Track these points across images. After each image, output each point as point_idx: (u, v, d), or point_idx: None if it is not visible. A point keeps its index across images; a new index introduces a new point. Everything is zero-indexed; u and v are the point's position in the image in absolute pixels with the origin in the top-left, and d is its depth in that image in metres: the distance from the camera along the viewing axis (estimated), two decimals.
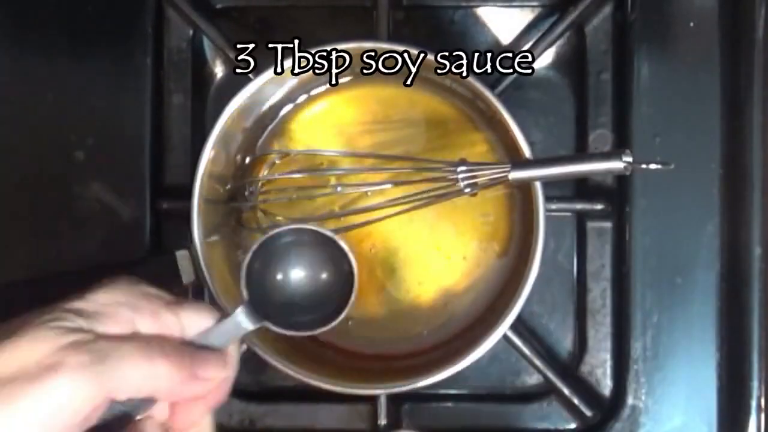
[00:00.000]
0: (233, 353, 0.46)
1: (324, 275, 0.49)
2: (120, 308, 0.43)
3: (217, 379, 0.45)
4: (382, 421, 0.63)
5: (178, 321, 0.44)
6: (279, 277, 0.49)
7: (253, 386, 0.65)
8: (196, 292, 0.60)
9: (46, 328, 0.40)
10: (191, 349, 0.44)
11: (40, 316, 0.41)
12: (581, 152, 0.65)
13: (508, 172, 0.53)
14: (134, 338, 0.42)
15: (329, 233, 0.49)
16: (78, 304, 0.42)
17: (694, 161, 0.63)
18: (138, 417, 0.43)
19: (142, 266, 0.56)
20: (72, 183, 0.64)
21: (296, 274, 0.49)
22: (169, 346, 0.43)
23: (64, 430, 0.38)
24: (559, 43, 0.65)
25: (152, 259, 0.56)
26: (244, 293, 0.48)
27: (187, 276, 0.56)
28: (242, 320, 0.46)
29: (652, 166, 0.52)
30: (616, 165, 0.51)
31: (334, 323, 0.48)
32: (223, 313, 0.47)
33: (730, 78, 0.63)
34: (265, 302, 0.48)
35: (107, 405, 0.40)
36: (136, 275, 0.51)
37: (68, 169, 0.64)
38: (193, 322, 0.45)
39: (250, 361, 0.61)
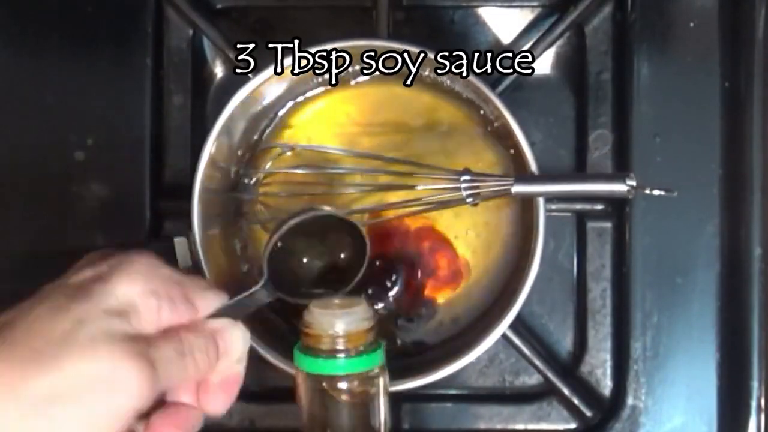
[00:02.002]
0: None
1: (338, 253, 0.54)
2: (147, 299, 0.45)
3: (240, 359, 0.48)
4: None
5: (192, 307, 0.47)
6: (297, 256, 0.54)
7: (253, 386, 0.65)
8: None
9: (98, 340, 0.41)
10: (215, 337, 0.47)
11: (81, 325, 0.42)
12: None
13: (511, 185, 0.53)
14: (171, 340, 0.45)
15: (342, 214, 0.54)
16: (110, 303, 0.43)
17: (694, 161, 0.63)
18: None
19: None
20: (72, 183, 0.64)
21: (312, 252, 0.53)
22: (197, 348, 0.46)
23: (117, 428, 0.41)
24: (559, 43, 0.65)
25: (150, 245, 0.57)
26: (264, 272, 0.52)
27: (183, 262, 0.57)
28: (261, 294, 0.51)
29: (656, 192, 0.53)
30: (620, 188, 0.52)
31: (348, 287, 0.53)
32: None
33: (730, 78, 0.63)
34: (282, 277, 0.52)
35: None
36: None
37: (68, 169, 0.64)
38: (206, 305, 0.48)
39: (250, 362, 0.61)
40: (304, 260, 0.57)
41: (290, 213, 0.55)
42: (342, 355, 0.47)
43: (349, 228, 0.55)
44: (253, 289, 0.51)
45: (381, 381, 0.48)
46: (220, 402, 0.48)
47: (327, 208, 0.54)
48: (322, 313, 0.48)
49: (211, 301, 0.48)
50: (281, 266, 0.53)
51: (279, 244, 0.53)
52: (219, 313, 0.48)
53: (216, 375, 0.48)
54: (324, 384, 0.48)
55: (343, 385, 0.48)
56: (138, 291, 0.44)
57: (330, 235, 0.56)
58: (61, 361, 0.40)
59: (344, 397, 0.48)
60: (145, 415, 0.45)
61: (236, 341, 0.48)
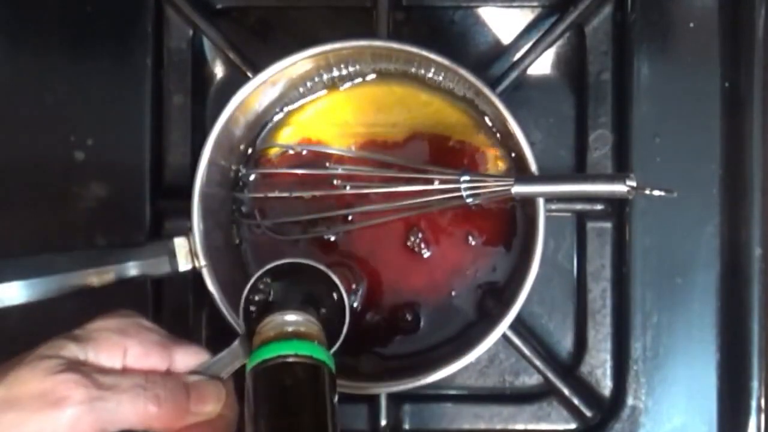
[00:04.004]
0: (230, 390, 0.48)
1: (318, 305, 0.50)
2: (111, 334, 0.46)
3: (214, 412, 0.47)
4: (382, 421, 0.63)
5: (167, 356, 0.47)
6: (275, 307, 0.50)
7: None
8: (192, 279, 0.60)
9: (46, 357, 0.43)
10: (187, 385, 0.46)
11: (43, 344, 0.44)
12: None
13: (511, 186, 0.53)
14: (131, 375, 0.45)
15: (323, 267, 0.51)
16: (76, 332, 0.46)
17: (694, 161, 0.63)
18: None
19: (139, 251, 0.56)
20: (72, 183, 0.64)
21: (291, 303, 0.49)
22: (163, 387, 0.45)
23: None
24: (559, 43, 0.65)
25: (150, 245, 0.56)
26: (242, 326, 0.50)
27: (183, 263, 0.56)
28: (239, 352, 0.49)
29: (656, 192, 0.53)
30: (620, 188, 0.52)
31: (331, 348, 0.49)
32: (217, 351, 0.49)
33: (730, 78, 0.63)
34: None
35: None
36: (134, 259, 0.54)
37: (68, 169, 0.64)
38: (184, 359, 0.48)
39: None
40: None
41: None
42: (288, 339, 0.46)
43: (326, 276, 0.52)
44: (231, 347, 0.49)
45: (327, 374, 0.45)
46: None
47: (305, 261, 0.51)
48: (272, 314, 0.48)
49: (190, 356, 0.48)
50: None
51: (256, 297, 0.51)
52: (199, 371, 0.48)
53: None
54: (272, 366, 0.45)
55: (289, 359, 0.45)
56: (104, 326, 0.46)
57: (310, 284, 0.52)
58: (10, 373, 0.42)
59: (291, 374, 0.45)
60: None
61: (211, 395, 0.47)
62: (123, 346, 0.45)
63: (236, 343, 0.49)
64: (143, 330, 0.47)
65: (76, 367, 0.43)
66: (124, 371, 0.45)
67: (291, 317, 0.47)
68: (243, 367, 0.48)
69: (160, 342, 0.47)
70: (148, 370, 0.46)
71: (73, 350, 0.44)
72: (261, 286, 0.50)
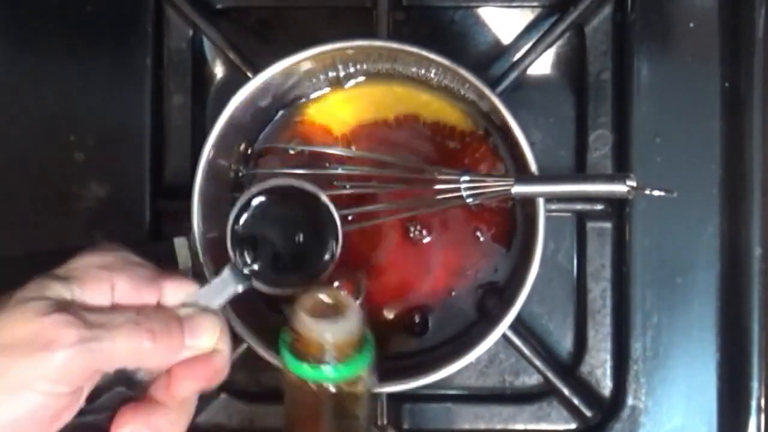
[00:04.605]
0: (223, 323, 0.46)
1: (309, 230, 0.49)
2: (97, 270, 0.43)
3: (209, 345, 0.45)
4: (382, 421, 0.63)
5: (157, 290, 0.45)
6: (264, 234, 0.49)
7: (253, 386, 0.65)
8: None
9: (31, 299, 0.41)
10: (181, 318, 0.44)
11: (23, 288, 0.42)
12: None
13: (511, 186, 0.53)
14: (122, 311, 0.43)
15: (310, 187, 0.49)
16: (58, 271, 0.43)
17: (694, 161, 0.63)
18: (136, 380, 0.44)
19: (139, 250, 0.56)
20: (72, 183, 0.64)
21: (281, 231, 0.48)
22: (157, 322, 0.43)
23: (59, 398, 0.40)
24: (559, 43, 0.65)
25: (150, 245, 0.56)
26: (230, 253, 0.49)
27: (183, 263, 0.56)
28: (229, 280, 0.47)
29: (656, 192, 0.53)
30: (620, 188, 0.52)
31: (324, 273, 0.49)
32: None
33: (730, 78, 0.63)
34: (252, 263, 0.49)
35: (99, 375, 0.42)
36: None
37: (68, 169, 0.64)
38: (174, 292, 0.45)
39: (250, 361, 0.62)
40: (275, 242, 0.51)
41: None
42: (330, 363, 0.45)
43: (320, 205, 0.50)
44: (221, 275, 0.48)
45: (367, 379, 0.46)
46: (184, 386, 0.44)
47: (292, 182, 0.50)
48: (311, 321, 0.45)
49: (180, 288, 0.46)
50: (251, 251, 0.50)
51: (243, 225, 0.49)
52: (190, 303, 0.46)
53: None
54: (310, 384, 0.46)
55: (330, 388, 0.46)
56: (89, 262, 0.44)
57: (300, 214, 0.51)
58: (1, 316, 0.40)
59: (330, 395, 0.46)
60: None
61: (206, 327, 0.45)
62: (110, 282, 0.43)
63: (226, 270, 0.48)
64: (130, 264, 0.45)
65: (64, 307, 0.41)
66: (114, 308, 0.43)
67: (331, 337, 0.45)
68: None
69: (148, 276, 0.45)
70: (139, 306, 0.44)
71: (58, 290, 0.42)
72: (247, 213, 0.49)
